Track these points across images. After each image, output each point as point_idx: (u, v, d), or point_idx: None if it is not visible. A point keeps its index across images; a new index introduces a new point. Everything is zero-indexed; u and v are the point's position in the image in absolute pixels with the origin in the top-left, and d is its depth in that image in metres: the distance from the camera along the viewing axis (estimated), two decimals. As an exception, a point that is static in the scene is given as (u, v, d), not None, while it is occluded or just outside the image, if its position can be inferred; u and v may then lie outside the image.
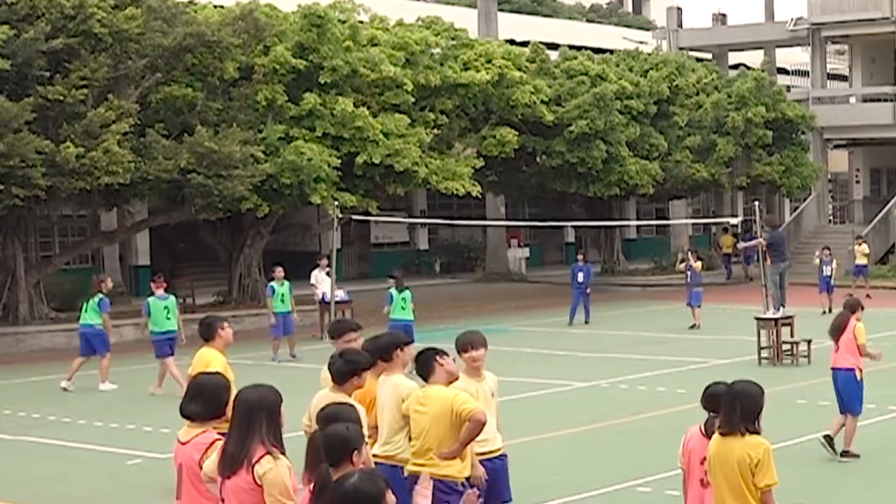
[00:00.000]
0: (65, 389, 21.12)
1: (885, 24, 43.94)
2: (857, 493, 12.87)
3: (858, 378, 14.12)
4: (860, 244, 36.21)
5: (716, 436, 7.68)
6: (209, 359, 11.14)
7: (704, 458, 7.88)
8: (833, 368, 14.38)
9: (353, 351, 8.71)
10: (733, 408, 7.54)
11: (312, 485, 5.69)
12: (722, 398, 7.68)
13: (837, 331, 14.21)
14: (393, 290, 22.84)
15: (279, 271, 24.43)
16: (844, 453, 14.16)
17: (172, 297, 21.34)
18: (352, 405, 6.57)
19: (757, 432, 7.53)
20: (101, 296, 21.28)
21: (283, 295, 24.11)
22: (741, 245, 26.96)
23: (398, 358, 8.95)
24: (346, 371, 8.32)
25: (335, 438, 5.68)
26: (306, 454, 6.10)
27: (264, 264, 33.59)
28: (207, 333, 11.36)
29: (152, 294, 21.02)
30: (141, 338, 27.69)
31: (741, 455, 7.46)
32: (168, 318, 20.70)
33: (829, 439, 14.28)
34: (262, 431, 6.21)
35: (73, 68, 26.92)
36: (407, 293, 22.70)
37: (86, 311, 21.31)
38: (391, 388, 8.84)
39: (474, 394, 9.02)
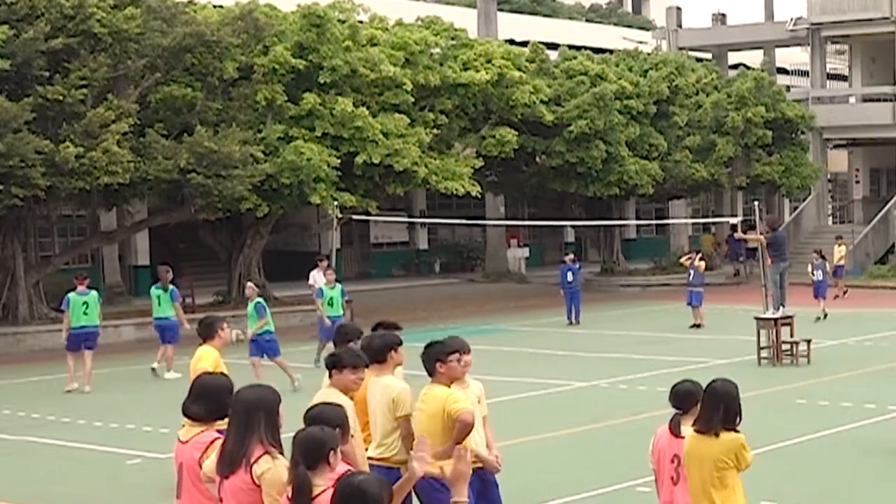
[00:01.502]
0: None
1: (885, 24, 43.92)
2: (857, 493, 12.86)
3: None
4: (839, 244, 36.11)
5: (691, 432, 7.67)
6: (200, 355, 11.23)
7: (675, 457, 7.91)
8: None
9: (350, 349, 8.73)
10: (716, 408, 7.52)
11: (290, 488, 5.69)
12: (704, 397, 7.65)
13: None
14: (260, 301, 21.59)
15: (330, 273, 23.76)
16: None
17: (94, 293, 21.47)
18: (339, 405, 6.56)
19: (734, 430, 7.53)
20: (172, 287, 22.24)
21: (332, 298, 23.12)
22: (737, 235, 27.05)
23: (391, 359, 8.93)
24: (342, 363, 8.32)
25: (310, 442, 5.72)
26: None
27: (264, 264, 33.62)
28: (207, 333, 11.41)
29: (73, 290, 21.21)
30: (141, 337, 27.77)
31: (717, 455, 7.50)
32: (85, 314, 20.93)
33: None
34: (260, 431, 6.20)
35: (72, 68, 26.92)
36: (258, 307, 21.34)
37: (160, 304, 22.23)
38: (381, 389, 8.81)
39: None
